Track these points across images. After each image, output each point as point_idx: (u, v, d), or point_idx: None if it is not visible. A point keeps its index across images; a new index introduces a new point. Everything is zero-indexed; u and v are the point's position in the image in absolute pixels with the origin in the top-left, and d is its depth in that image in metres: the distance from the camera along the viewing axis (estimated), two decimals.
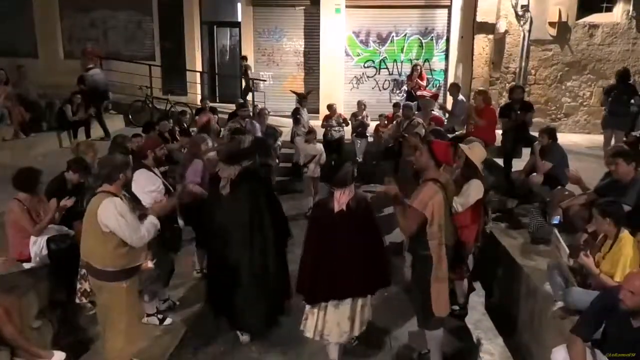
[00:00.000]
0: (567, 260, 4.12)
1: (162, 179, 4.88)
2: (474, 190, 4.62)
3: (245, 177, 4.22)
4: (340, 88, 12.94)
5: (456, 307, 5.15)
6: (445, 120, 9.51)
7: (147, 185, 4.60)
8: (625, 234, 3.83)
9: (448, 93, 10.25)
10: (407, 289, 5.82)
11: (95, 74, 11.06)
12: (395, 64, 13.06)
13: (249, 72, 12.58)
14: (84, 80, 10.81)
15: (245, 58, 12.72)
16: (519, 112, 7.57)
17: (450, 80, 12.56)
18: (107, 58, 12.47)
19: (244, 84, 12.79)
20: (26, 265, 4.69)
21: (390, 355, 4.68)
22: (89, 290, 4.02)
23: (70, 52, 13.29)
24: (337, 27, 12.63)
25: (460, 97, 9.54)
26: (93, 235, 3.61)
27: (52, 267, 4.69)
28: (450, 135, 7.53)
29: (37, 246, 4.64)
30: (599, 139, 10.83)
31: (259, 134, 8.61)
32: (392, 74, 13.13)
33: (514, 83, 11.50)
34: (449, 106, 9.82)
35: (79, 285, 4.10)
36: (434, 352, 4.24)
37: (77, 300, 4.17)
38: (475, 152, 4.76)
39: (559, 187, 5.85)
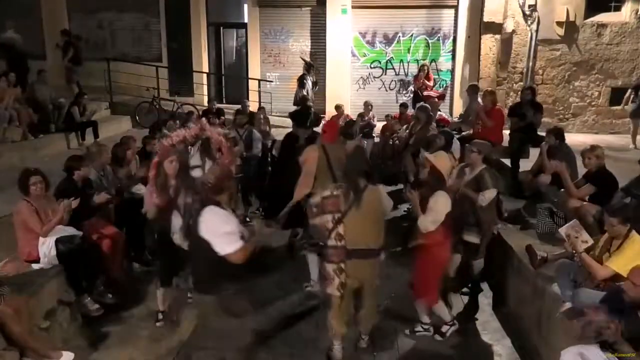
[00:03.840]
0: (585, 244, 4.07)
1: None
2: (442, 204, 4.33)
3: (313, 137, 5.84)
4: (347, 89, 12.94)
5: (446, 327, 4.83)
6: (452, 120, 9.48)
7: None
8: (634, 233, 3.86)
9: (466, 93, 9.96)
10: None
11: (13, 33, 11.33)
12: (401, 64, 13.03)
13: (78, 44, 11.99)
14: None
15: (66, 31, 12.19)
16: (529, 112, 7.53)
17: (457, 80, 12.56)
18: (114, 59, 12.54)
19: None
20: (35, 266, 4.72)
21: (396, 356, 4.66)
22: (344, 281, 4.13)
23: None
24: (344, 27, 12.64)
25: (479, 99, 9.48)
26: (379, 222, 4.24)
27: (60, 268, 4.72)
28: (457, 136, 7.52)
29: (46, 247, 4.68)
30: (608, 139, 10.79)
31: (259, 145, 7.65)
32: (398, 74, 13.11)
33: (521, 83, 11.47)
34: (458, 106, 9.73)
35: (337, 280, 4.11)
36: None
37: (335, 292, 4.14)
38: (441, 161, 4.49)
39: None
